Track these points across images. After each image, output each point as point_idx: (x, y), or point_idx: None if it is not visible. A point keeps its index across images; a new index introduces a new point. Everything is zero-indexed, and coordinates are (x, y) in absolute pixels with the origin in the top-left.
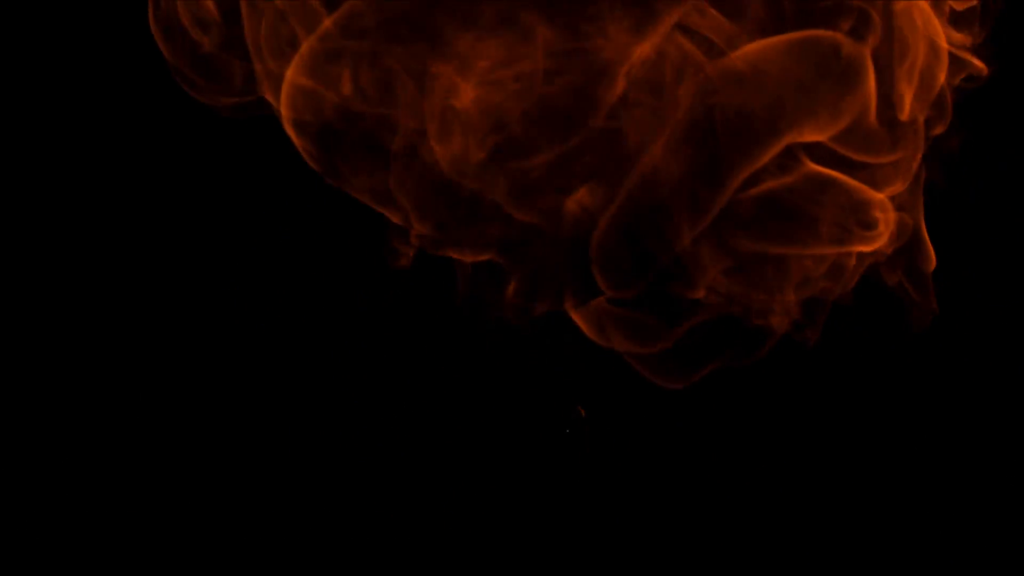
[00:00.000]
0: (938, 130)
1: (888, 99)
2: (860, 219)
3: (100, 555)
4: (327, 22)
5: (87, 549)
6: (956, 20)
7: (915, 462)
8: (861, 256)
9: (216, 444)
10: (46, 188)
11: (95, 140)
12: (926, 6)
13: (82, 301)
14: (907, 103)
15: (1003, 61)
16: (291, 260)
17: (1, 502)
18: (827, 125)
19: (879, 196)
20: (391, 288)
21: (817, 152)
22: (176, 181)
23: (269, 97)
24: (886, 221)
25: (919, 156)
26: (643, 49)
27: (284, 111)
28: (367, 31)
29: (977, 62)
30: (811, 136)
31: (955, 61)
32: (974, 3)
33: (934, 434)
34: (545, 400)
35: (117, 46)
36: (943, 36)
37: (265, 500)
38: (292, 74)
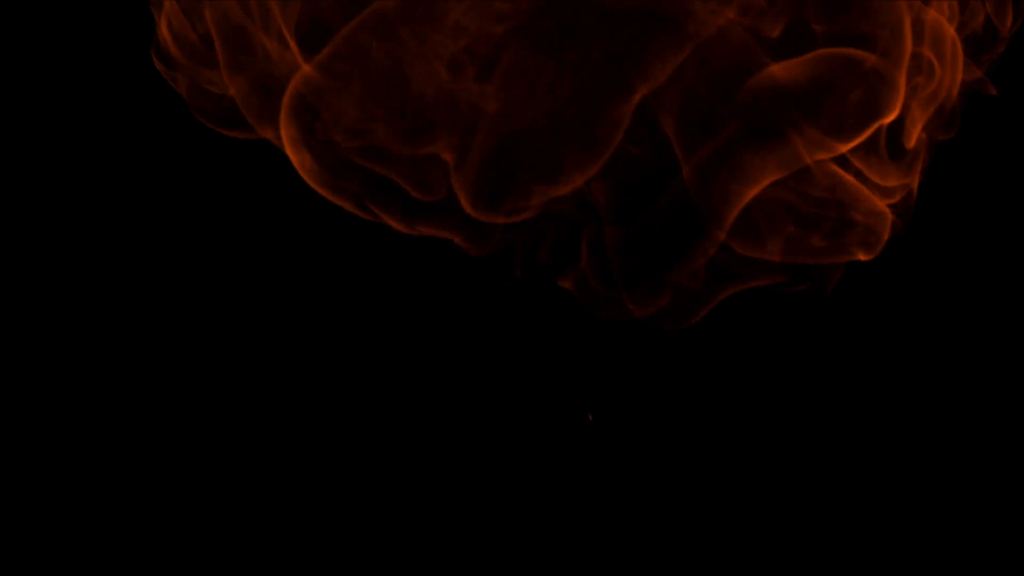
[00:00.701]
0: (942, 139)
1: (901, 119)
2: (858, 230)
3: (100, 555)
4: (306, 68)
5: (87, 549)
6: (974, 39)
7: (926, 460)
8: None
9: (218, 445)
10: (46, 184)
11: (94, 140)
12: (953, 31)
13: (90, 303)
14: (917, 131)
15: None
16: (290, 259)
17: (1, 502)
18: (845, 142)
19: (881, 207)
20: (391, 288)
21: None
22: (174, 180)
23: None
24: (885, 229)
25: (918, 178)
26: (674, 60)
27: (296, 161)
28: (350, 73)
29: (992, 88)
30: (829, 152)
31: (967, 75)
32: (1006, 33)
33: (938, 436)
34: (547, 399)
35: (117, 46)
36: (961, 57)
37: (266, 501)
38: (285, 127)
